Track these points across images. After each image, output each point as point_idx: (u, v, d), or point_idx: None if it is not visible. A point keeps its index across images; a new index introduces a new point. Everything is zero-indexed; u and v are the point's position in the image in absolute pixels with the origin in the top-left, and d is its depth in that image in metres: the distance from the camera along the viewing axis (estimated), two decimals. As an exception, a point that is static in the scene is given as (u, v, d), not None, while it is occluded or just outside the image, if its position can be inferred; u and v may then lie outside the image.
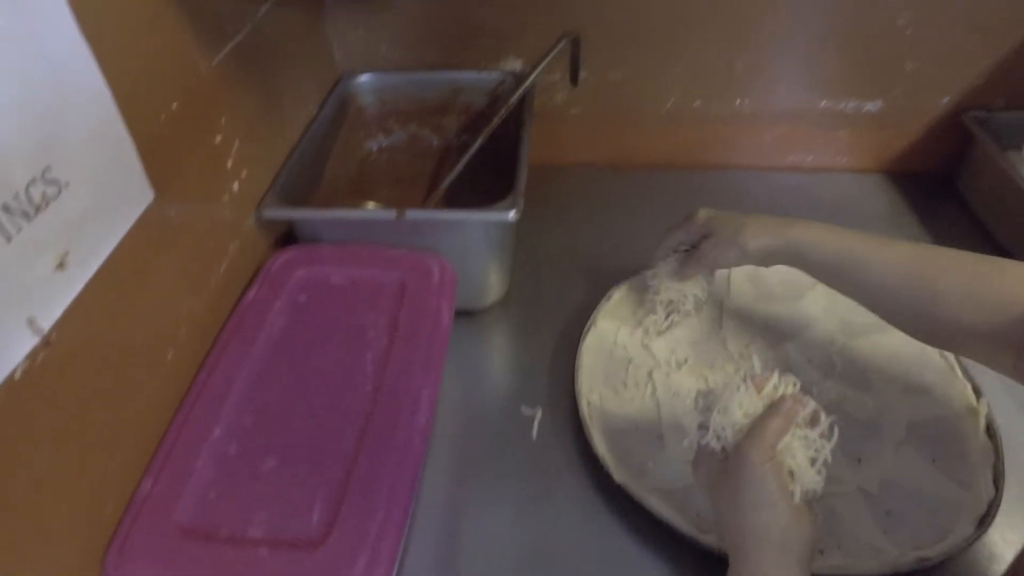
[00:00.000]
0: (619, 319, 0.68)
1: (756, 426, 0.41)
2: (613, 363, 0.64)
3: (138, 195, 0.46)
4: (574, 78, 0.81)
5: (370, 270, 0.60)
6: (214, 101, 0.55)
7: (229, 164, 0.58)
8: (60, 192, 0.39)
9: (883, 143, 0.88)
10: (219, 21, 0.56)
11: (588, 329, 0.66)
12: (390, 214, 0.61)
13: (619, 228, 0.82)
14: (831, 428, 0.41)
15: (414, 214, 0.61)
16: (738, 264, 0.57)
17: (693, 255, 0.60)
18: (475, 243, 0.64)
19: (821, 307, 0.69)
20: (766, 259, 0.55)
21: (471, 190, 0.77)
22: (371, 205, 0.79)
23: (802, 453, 0.40)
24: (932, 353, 0.62)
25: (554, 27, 0.77)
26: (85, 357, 0.41)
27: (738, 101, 0.85)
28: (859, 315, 0.67)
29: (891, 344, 0.64)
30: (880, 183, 0.89)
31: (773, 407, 0.41)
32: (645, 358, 0.65)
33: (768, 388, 0.42)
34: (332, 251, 0.62)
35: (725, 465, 0.42)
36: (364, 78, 0.83)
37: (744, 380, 0.42)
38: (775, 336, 0.67)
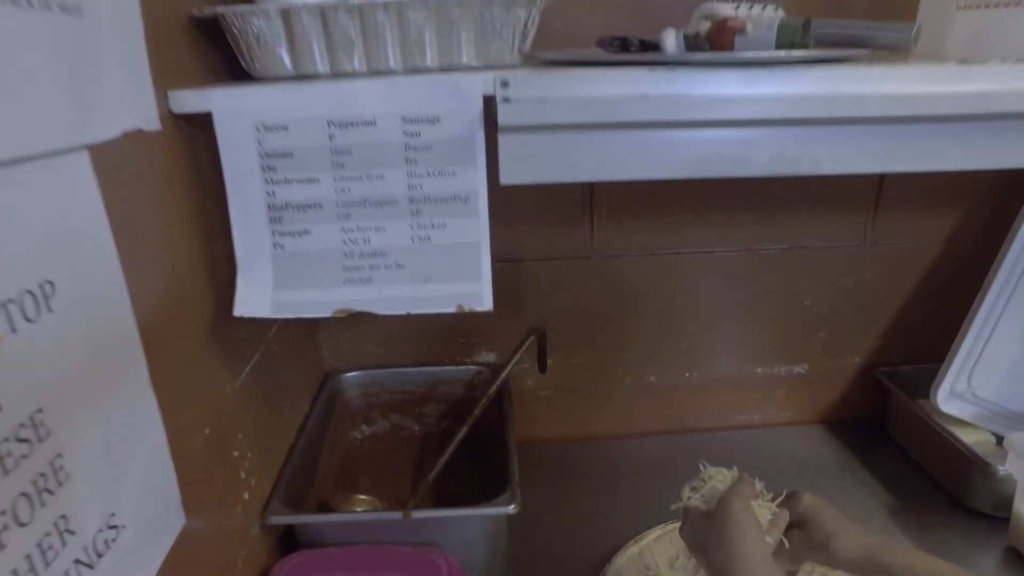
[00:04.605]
0: (619, 596, 0.69)
1: (732, 487, 0.54)
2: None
3: (174, 523, 0.48)
4: (542, 366, 0.91)
5: (379, 571, 0.61)
6: (235, 420, 0.60)
7: (242, 476, 0.61)
8: (118, 536, 0.41)
9: (816, 398, 1.00)
10: (242, 347, 0.63)
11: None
12: (396, 515, 0.64)
13: (598, 498, 0.86)
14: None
15: (419, 514, 0.64)
16: (821, 565, 0.59)
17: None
18: (476, 536, 0.68)
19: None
20: (851, 570, 0.55)
21: (456, 475, 0.81)
22: (361, 497, 0.81)
23: (762, 514, 0.54)
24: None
25: (521, 324, 0.88)
26: None
27: (687, 374, 0.96)
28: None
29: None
30: (821, 433, 0.99)
31: (740, 479, 0.56)
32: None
33: (734, 472, 0.57)
34: (340, 554, 0.63)
35: (710, 520, 0.53)
36: (350, 375, 0.91)
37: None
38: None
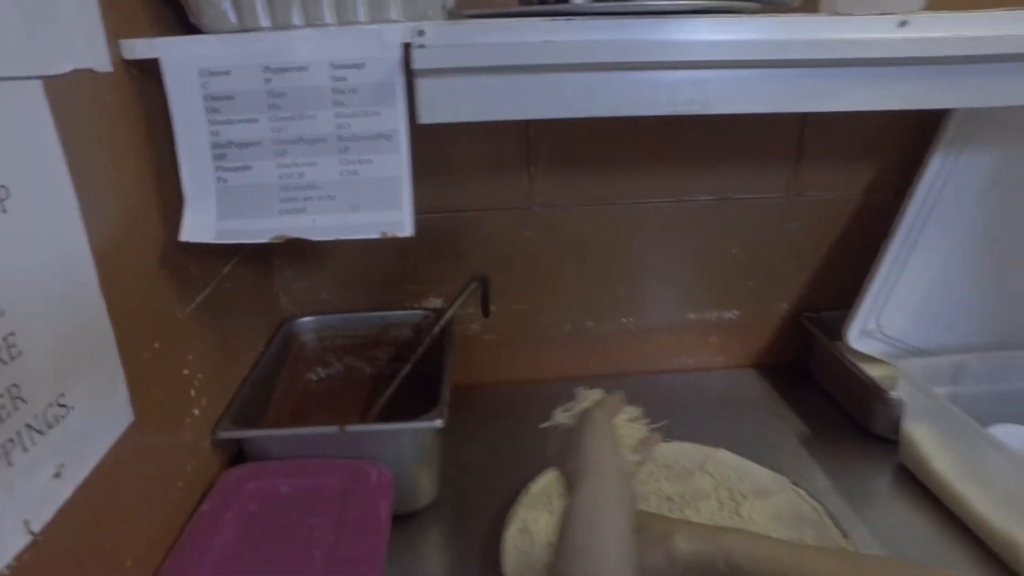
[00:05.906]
0: (538, 509, 0.76)
1: (599, 402, 0.58)
2: (537, 549, 0.71)
3: (122, 417, 0.55)
4: (485, 311, 0.98)
5: (315, 478, 0.67)
6: (185, 342, 0.66)
7: (192, 393, 0.67)
8: (67, 414, 0.47)
9: (747, 343, 1.07)
10: (193, 278, 0.70)
11: (510, 520, 0.73)
12: (332, 429, 0.70)
13: (534, 435, 0.92)
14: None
15: (353, 428, 0.71)
16: (665, 570, 0.54)
17: None
18: (408, 451, 0.74)
19: (711, 483, 0.80)
20: (694, 566, 0.53)
21: (402, 412, 0.87)
22: (312, 428, 0.88)
23: (627, 435, 0.57)
24: (806, 508, 0.73)
25: (466, 271, 0.95)
26: (62, 558, 0.47)
27: (623, 320, 1.03)
28: (743, 483, 0.79)
29: (774, 506, 0.75)
30: (751, 376, 1.06)
31: (609, 395, 0.60)
32: (567, 541, 0.72)
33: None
34: (281, 465, 0.69)
35: (571, 434, 0.55)
36: (305, 320, 0.97)
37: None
38: (674, 510, 0.76)
